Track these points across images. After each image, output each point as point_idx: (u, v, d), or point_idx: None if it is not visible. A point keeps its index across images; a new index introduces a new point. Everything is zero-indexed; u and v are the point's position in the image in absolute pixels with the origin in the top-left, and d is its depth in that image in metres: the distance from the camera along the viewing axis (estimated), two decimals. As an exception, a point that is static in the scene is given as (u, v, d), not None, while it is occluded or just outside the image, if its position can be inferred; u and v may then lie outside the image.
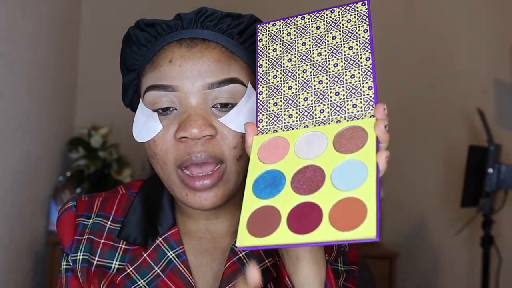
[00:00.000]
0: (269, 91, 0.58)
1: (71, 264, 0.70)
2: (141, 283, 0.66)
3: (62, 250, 0.72)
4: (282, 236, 0.47)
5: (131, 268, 0.67)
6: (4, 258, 1.77)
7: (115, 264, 0.69)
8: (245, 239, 0.48)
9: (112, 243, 0.70)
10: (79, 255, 0.70)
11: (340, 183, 0.48)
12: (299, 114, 0.55)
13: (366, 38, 0.54)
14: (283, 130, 0.55)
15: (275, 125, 0.56)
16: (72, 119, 2.45)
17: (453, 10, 2.46)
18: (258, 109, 0.58)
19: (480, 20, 2.44)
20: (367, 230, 0.43)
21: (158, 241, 0.68)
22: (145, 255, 0.68)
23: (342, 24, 0.56)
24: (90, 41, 2.48)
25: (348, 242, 0.44)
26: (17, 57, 1.82)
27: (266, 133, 0.56)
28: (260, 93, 0.58)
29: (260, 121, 0.57)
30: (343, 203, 0.46)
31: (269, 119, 0.57)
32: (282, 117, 0.56)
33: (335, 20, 0.57)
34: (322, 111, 0.54)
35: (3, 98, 1.72)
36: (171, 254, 0.68)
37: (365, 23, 0.55)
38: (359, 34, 0.55)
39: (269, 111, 0.57)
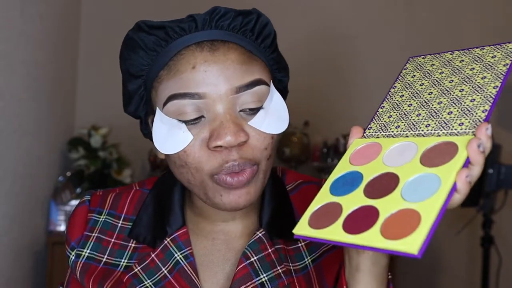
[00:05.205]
0: (390, 107, 0.58)
1: (74, 258, 0.70)
2: (148, 283, 0.66)
3: (68, 243, 0.72)
4: (332, 232, 0.47)
5: (138, 268, 0.67)
6: (4, 258, 1.76)
7: (123, 262, 0.69)
8: (302, 228, 0.49)
9: (123, 242, 0.70)
10: (85, 252, 0.70)
11: (408, 194, 0.46)
12: (405, 126, 0.55)
13: (502, 70, 0.53)
14: (384, 138, 0.55)
15: (381, 133, 0.56)
16: (72, 119, 2.45)
17: (453, 10, 2.46)
18: (374, 119, 0.58)
19: (480, 20, 2.44)
20: (409, 244, 0.41)
21: (166, 242, 0.68)
22: (153, 255, 0.68)
23: (486, 59, 0.55)
24: (90, 41, 2.48)
25: (387, 251, 0.42)
26: (17, 57, 1.81)
27: (369, 138, 0.57)
28: (382, 107, 0.59)
29: (369, 128, 0.57)
30: (402, 213, 0.45)
31: (377, 127, 0.57)
32: (389, 127, 0.56)
33: (480, 55, 0.56)
34: (428, 125, 0.53)
35: (3, 98, 1.71)
36: (178, 255, 0.67)
37: (508, 58, 0.53)
38: (498, 67, 0.53)
39: (381, 121, 0.57)
